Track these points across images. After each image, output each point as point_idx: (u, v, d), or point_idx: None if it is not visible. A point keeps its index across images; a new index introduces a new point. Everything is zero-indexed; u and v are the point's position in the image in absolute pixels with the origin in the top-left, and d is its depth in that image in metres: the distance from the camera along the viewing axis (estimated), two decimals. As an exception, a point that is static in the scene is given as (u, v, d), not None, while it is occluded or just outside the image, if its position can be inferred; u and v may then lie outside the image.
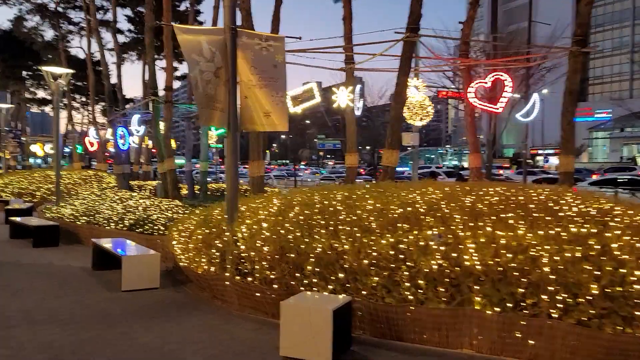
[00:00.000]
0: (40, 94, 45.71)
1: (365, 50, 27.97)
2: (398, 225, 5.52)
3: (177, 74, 33.58)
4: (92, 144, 27.31)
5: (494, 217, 5.40)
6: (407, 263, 4.82)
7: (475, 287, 4.49)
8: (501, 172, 43.43)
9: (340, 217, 5.98)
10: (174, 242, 7.75)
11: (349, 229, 5.57)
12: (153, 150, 31.97)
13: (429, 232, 5.12)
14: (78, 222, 11.36)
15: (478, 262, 4.55)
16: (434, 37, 12.04)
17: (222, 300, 6.33)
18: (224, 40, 6.38)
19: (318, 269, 5.25)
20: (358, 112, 12.33)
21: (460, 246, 4.83)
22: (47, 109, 53.27)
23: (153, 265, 7.04)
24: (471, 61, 12.16)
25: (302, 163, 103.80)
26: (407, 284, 4.74)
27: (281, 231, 5.90)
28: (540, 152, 68.93)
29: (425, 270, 4.69)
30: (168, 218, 10.34)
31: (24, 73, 41.25)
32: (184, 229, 7.66)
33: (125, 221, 10.58)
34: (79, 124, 38.45)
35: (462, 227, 5.22)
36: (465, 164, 74.11)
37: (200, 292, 6.77)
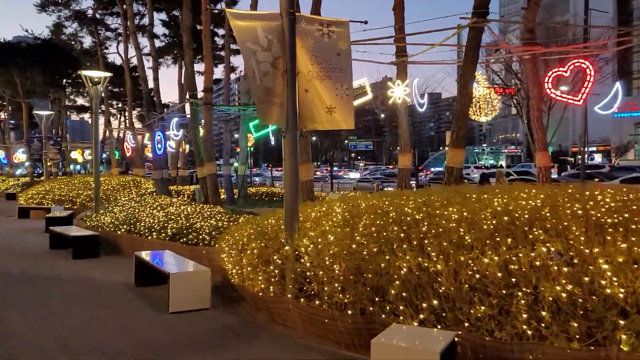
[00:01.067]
0: (80, 101, 46.55)
1: (417, 41, 26.66)
2: (498, 239, 4.56)
3: (213, 77, 33.26)
4: (129, 149, 27.18)
5: (622, 229, 4.37)
6: (523, 289, 3.86)
7: (620, 321, 3.49)
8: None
9: (422, 229, 5.06)
10: (224, 256, 6.99)
11: (436, 243, 4.65)
12: (187, 154, 31.71)
13: (545, 249, 4.14)
14: (118, 232, 10.79)
15: (622, 290, 3.55)
16: (502, 21, 10.92)
17: (283, 324, 5.50)
18: (281, 26, 5.57)
19: (405, 294, 4.35)
20: (422, 109, 11.36)
21: (590, 267, 3.84)
22: (86, 116, 54.22)
23: (203, 283, 6.28)
24: (544, 49, 11.00)
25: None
26: (525, 316, 3.78)
27: (353, 246, 5.03)
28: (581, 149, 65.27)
29: (549, 298, 3.72)
30: (212, 226, 9.62)
31: (64, 81, 41.96)
32: (235, 241, 6.88)
33: (167, 230, 9.93)
34: (116, 129, 38.62)
35: (584, 242, 4.22)
36: (501, 163, 71.58)
37: (256, 314, 5.96)
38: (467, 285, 4.10)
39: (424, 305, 4.22)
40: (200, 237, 9.10)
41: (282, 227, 6.17)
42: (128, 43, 25.62)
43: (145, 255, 7.49)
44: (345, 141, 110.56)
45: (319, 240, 5.44)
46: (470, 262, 4.26)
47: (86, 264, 9.42)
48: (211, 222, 10.15)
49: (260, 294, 5.76)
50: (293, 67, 5.62)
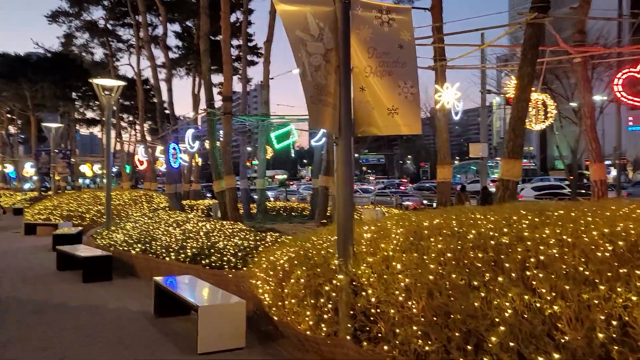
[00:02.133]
0: (89, 114, 46.10)
1: (456, 42, 25.83)
2: (621, 270, 3.58)
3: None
4: (141, 163, 26.46)
5: None
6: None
7: None
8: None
9: (516, 256, 4.08)
10: (258, 283, 6.04)
11: (544, 276, 3.67)
12: (199, 167, 30.86)
13: None
14: (132, 252, 9.87)
15: None
16: (566, 18, 9.97)
17: (338, 372, 4.51)
18: (333, 12, 4.68)
19: (512, 343, 3.37)
20: (457, 117, 10.44)
21: None
22: (96, 130, 53.85)
23: (237, 317, 5.32)
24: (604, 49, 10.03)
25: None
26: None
27: (429, 277, 4.07)
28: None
29: None
30: (237, 246, 8.69)
31: (73, 94, 41.58)
32: (272, 265, 5.93)
33: (186, 250, 9.00)
34: (127, 141, 38.02)
35: None
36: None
37: (303, 356, 4.98)
38: (600, 335, 3.12)
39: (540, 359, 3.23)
40: (225, 258, 8.15)
41: (332, 250, 5.23)
42: (140, 54, 25.09)
43: (165, 281, 6.55)
44: (356, 154, 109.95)
45: (382, 268, 4.49)
46: (597, 302, 3.28)
47: (98, 288, 8.49)
48: (235, 241, 9.22)
49: (308, 332, 4.80)
50: (347, 61, 4.72)
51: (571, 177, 49.77)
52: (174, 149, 17.37)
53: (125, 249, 10.23)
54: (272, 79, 19.12)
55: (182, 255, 8.80)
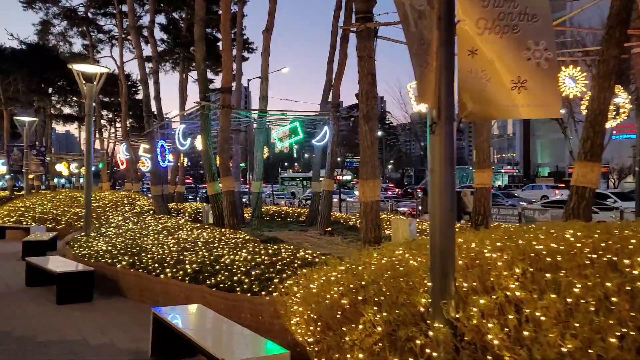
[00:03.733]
0: (66, 110, 43.74)
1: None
2: None
3: (212, 86, 30.84)
4: (122, 162, 24.55)
5: None
6: None
7: None
8: (557, 192, 39.10)
9: None
10: (297, 321, 4.52)
11: None
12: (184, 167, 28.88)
13: None
14: (118, 265, 8.21)
15: None
16: None
17: None
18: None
19: None
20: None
21: None
22: (73, 127, 51.34)
23: (279, 376, 3.80)
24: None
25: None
26: None
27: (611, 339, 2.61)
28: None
29: None
30: (246, 261, 7.14)
31: (50, 90, 39.25)
32: (315, 296, 4.41)
33: (185, 266, 7.41)
34: (109, 139, 35.88)
35: None
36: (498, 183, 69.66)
37: None
38: None
39: None
40: (235, 278, 6.60)
41: (412, 281, 3.77)
42: (123, 46, 23.29)
43: (168, 314, 4.96)
44: (338, 158, 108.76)
45: (509, 316, 3.01)
46: None
47: (76, 313, 6.84)
48: (243, 254, 7.66)
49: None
50: (450, 10, 3.26)
51: (561, 185, 49.19)
52: (162, 146, 15.70)
53: (109, 261, 8.56)
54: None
55: (181, 273, 7.20)
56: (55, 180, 49.89)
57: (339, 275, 4.61)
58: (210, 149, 13.46)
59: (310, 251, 7.59)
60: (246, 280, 6.47)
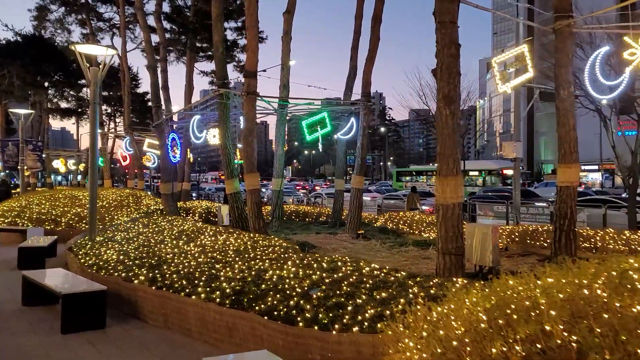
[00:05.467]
0: (63, 105, 42.09)
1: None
2: None
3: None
4: (124, 158, 23.03)
5: None
6: None
7: None
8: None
9: None
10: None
11: None
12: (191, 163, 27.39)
13: None
14: (135, 281, 6.74)
15: None
16: None
17: None
18: None
19: None
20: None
21: None
22: (69, 123, 49.63)
23: None
24: None
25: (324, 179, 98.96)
26: None
27: None
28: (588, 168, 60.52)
29: None
30: (297, 278, 5.69)
31: (46, 83, 37.59)
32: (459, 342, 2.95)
33: (222, 283, 5.94)
34: (112, 134, 34.28)
35: None
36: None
37: None
38: None
39: None
40: (291, 302, 5.13)
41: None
42: (127, 32, 21.70)
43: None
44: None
45: None
46: None
47: (86, 347, 5.37)
48: (289, 268, 6.21)
49: None
50: None
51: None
52: (174, 139, 14.20)
53: (123, 274, 7.08)
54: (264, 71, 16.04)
55: (218, 293, 5.73)
56: (52, 177, 48.28)
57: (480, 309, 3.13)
58: (229, 142, 12.04)
59: (375, 265, 6.14)
60: (307, 306, 5.01)
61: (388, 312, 4.43)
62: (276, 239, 8.86)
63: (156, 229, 10.82)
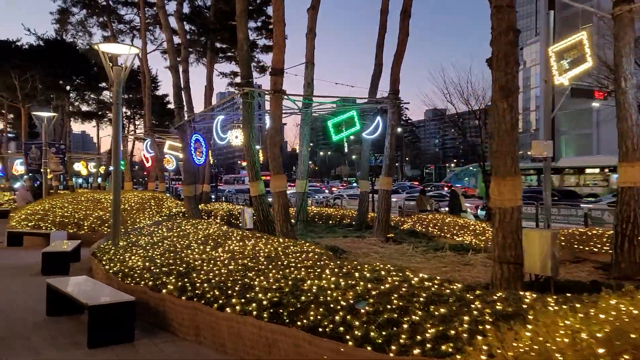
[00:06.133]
0: (84, 108, 42.38)
1: None
2: None
3: (238, 79, 28.96)
4: (147, 160, 22.84)
5: None
6: None
7: None
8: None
9: None
10: None
11: None
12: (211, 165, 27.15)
13: None
14: (163, 290, 6.34)
15: None
16: None
17: None
18: None
19: None
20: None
21: None
22: (90, 127, 49.98)
23: None
24: None
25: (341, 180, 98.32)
26: None
27: None
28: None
29: None
30: (341, 289, 5.22)
31: (68, 87, 37.88)
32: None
33: (257, 294, 5.50)
34: (126, 135, 34.26)
35: None
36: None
37: None
38: None
39: None
40: (336, 317, 4.66)
41: None
42: (147, 34, 21.52)
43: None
44: (353, 156, 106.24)
45: None
46: None
47: (114, 363, 4.98)
48: (328, 277, 5.75)
49: None
50: None
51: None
52: (198, 140, 13.86)
53: (150, 283, 6.70)
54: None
55: (254, 305, 5.28)
56: (73, 180, 48.65)
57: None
58: (253, 143, 11.64)
59: (424, 275, 5.63)
60: (355, 322, 4.53)
61: (452, 331, 3.93)
62: (307, 244, 8.39)
63: (181, 233, 10.47)
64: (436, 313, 4.41)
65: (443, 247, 10.59)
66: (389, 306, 4.71)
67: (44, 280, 8.14)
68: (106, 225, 14.78)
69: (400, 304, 4.72)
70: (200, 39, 25.83)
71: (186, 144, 14.09)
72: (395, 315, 4.51)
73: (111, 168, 40.70)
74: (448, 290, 5.01)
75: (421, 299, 4.80)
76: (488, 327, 3.91)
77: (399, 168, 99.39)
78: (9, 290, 8.35)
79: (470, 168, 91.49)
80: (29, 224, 15.16)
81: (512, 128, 5.42)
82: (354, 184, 75.27)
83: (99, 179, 43.22)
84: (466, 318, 4.13)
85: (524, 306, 4.23)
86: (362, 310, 4.71)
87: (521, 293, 4.58)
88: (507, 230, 5.43)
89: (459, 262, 9.17)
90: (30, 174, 31.85)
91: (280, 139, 10.55)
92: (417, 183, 64.84)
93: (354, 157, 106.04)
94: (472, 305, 4.42)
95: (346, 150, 16.67)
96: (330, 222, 17.07)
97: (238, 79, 28.65)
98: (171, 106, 43.64)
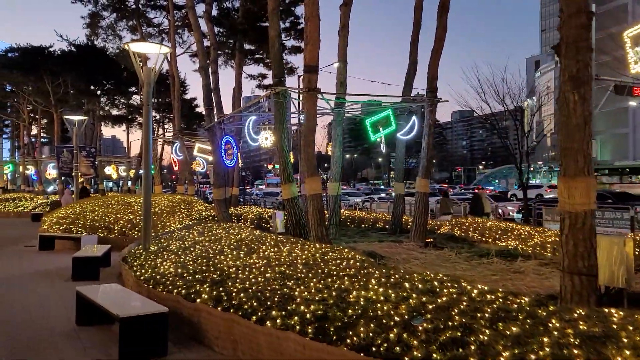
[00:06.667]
0: (114, 112, 42.97)
1: None
2: None
3: (267, 81, 28.78)
4: (175, 163, 22.76)
5: None
6: None
7: None
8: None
9: None
10: None
11: None
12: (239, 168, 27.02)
13: None
14: (197, 299, 5.95)
15: None
16: None
17: None
18: None
19: None
20: None
21: None
22: (120, 130, 50.68)
23: None
24: None
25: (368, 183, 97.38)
26: None
27: None
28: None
29: None
30: (391, 301, 4.72)
31: (98, 92, 38.44)
32: None
33: (299, 306, 5.05)
34: (156, 138, 34.47)
35: None
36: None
37: None
38: None
39: None
40: (390, 334, 4.17)
41: None
42: (175, 37, 21.45)
43: None
44: (380, 159, 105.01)
45: None
46: None
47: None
48: (375, 288, 5.27)
49: None
50: None
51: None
52: (228, 142, 13.54)
53: (183, 292, 6.32)
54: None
55: (296, 319, 4.82)
56: (104, 183, 49.39)
57: None
58: (285, 144, 11.23)
59: (483, 286, 5.08)
60: (413, 341, 4.02)
61: (533, 355, 3.39)
62: (345, 250, 7.92)
63: (212, 237, 10.13)
64: (507, 332, 3.87)
65: (488, 253, 9.95)
66: (450, 323, 4.19)
67: (74, 286, 7.90)
68: (136, 229, 14.62)
69: (464, 320, 4.19)
70: (228, 41, 25.71)
71: (216, 146, 13.80)
72: (459, 334, 3.99)
73: (141, 171, 41.11)
74: (515, 305, 4.45)
75: (486, 315, 4.26)
76: (575, 351, 3.36)
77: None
78: (40, 296, 8.12)
79: (503, 170, 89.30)
80: (60, 228, 15.13)
81: (584, 122, 4.83)
82: (382, 187, 74.34)
83: (129, 183, 43.72)
84: (546, 340, 3.58)
85: (614, 326, 3.66)
86: (420, 327, 4.20)
87: (605, 310, 4.00)
88: (578, 238, 4.84)
89: (508, 270, 8.55)
90: (62, 178, 32.29)
91: (314, 139, 10.09)
92: (446, 185, 63.61)
93: (380, 159, 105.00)
94: (550, 325, 3.86)
95: (383, 150, 16.12)
96: (363, 225, 16.55)
97: (266, 81, 28.47)
98: (199, 110, 43.99)
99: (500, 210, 25.30)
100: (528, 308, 4.35)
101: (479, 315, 4.28)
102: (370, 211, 21.41)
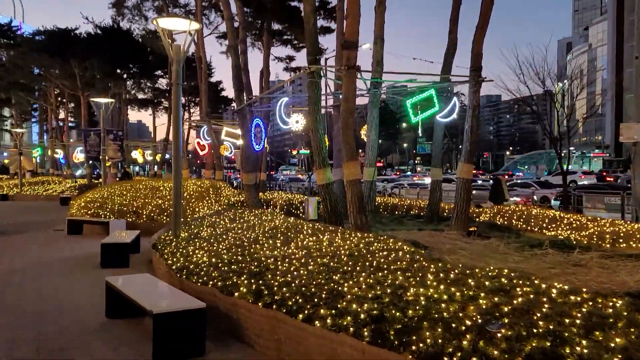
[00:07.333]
0: (140, 96, 42.95)
1: None
2: None
3: (295, 64, 28.12)
4: (202, 147, 22.43)
5: None
6: None
7: None
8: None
9: None
10: None
11: None
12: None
13: None
14: (236, 293, 5.47)
15: None
16: None
17: None
18: None
19: None
20: None
21: None
22: (146, 115, 50.82)
23: None
24: None
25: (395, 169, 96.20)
26: None
27: None
28: None
29: None
30: (454, 301, 4.15)
31: (124, 75, 38.40)
32: None
33: (350, 304, 4.51)
34: (187, 121, 34.23)
35: None
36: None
37: None
38: None
39: None
40: (463, 341, 3.60)
41: None
42: (203, 17, 20.92)
43: None
44: (405, 144, 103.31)
45: None
46: None
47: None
48: (434, 284, 4.71)
49: None
50: None
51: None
52: (258, 125, 13.05)
53: (219, 284, 5.85)
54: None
55: (349, 320, 4.28)
56: (131, 168, 49.74)
57: None
58: (320, 127, 10.64)
59: (563, 286, 4.45)
60: (493, 350, 3.44)
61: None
62: (392, 240, 7.34)
63: (244, 224, 9.68)
64: (611, 344, 3.26)
65: (540, 243, 9.24)
66: (534, 330, 3.60)
67: (103, 274, 7.55)
68: (165, 214, 14.32)
69: (551, 327, 3.59)
70: (256, 22, 25.09)
71: (246, 130, 13.31)
72: (548, 344, 3.39)
73: (167, 156, 41.15)
74: (610, 309, 3.82)
75: (577, 322, 3.64)
76: None
77: (455, 156, 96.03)
78: (67, 288, 7.78)
79: (533, 156, 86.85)
80: (89, 212, 14.94)
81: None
82: (408, 173, 73.21)
83: (155, 167, 43.84)
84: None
85: None
86: (499, 334, 3.62)
87: None
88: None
89: (566, 262, 7.83)
90: (90, 162, 32.42)
91: (354, 120, 9.46)
92: (481, 172, 61.97)
93: (405, 145, 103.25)
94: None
95: (420, 133, 15.42)
96: (396, 212, 15.94)
97: (294, 64, 27.80)
98: (224, 93, 43.65)
99: (534, 197, 24.32)
100: (623, 310, 3.73)
101: (567, 321, 3.67)
102: (402, 198, 20.70)
